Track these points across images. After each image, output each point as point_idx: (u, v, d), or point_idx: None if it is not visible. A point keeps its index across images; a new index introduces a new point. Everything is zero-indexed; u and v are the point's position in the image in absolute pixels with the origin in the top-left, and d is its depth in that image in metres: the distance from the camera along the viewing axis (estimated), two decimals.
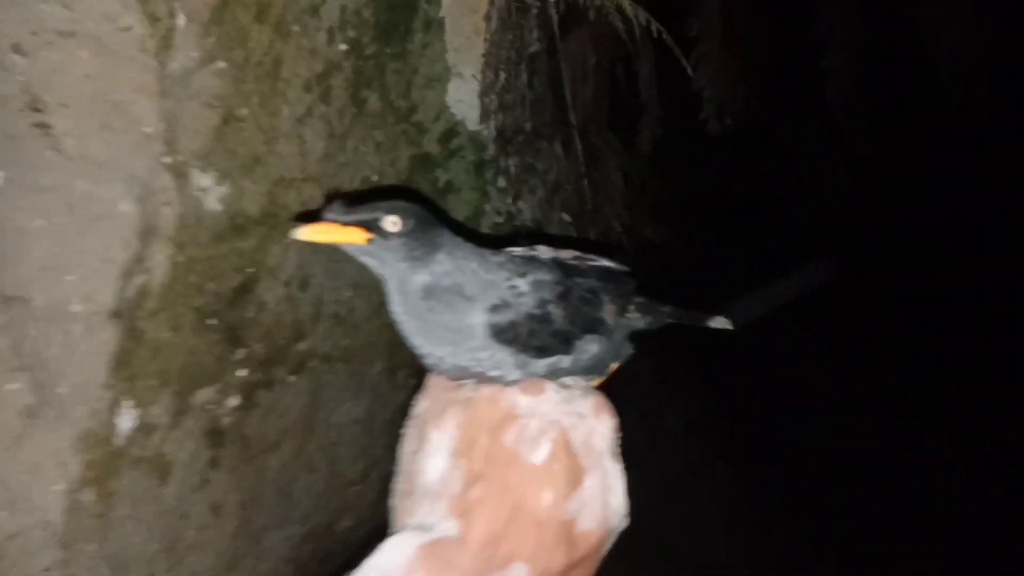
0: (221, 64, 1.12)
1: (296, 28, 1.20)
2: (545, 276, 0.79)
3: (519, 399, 0.74)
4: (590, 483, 0.72)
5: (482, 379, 0.78)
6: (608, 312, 0.83)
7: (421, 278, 0.76)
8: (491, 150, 1.80)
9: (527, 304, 0.77)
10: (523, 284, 0.77)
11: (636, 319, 0.89)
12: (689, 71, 1.85)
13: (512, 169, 2.01)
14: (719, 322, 0.99)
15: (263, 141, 1.21)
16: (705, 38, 2.47)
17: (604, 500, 0.73)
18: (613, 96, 2.57)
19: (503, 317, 0.76)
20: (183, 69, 1.07)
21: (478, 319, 0.76)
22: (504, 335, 0.75)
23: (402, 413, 2.17)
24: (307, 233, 0.73)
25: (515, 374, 0.78)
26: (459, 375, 0.79)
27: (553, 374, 0.80)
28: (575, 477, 0.71)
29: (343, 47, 1.30)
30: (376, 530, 2.13)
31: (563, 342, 0.79)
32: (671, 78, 2.48)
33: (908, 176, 3.25)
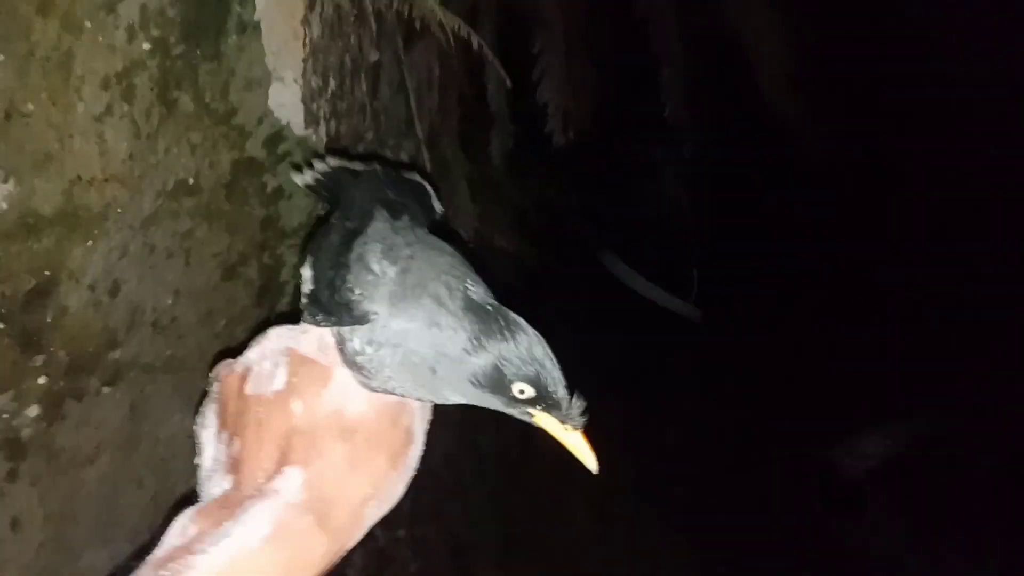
0: (0, 56, 1.09)
1: (89, 24, 1.18)
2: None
3: (248, 353, 0.77)
4: (340, 374, 0.75)
5: None
6: None
7: None
8: None
9: None
10: None
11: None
12: (508, 84, 1.92)
13: None
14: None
15: (55, 138, 1.18)
16: (547, 53, 2.56)
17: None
18: (461, 108, 2.62)
19: None
20: None
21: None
22: None
23: None
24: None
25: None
26: None
27: None
28: (321, 377, 0.74)
29: (147, 45, 1.29)
30: None
31: None
32: (522, 91, 2.56)
33: (746, 190, 3.47)
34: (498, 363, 0.68)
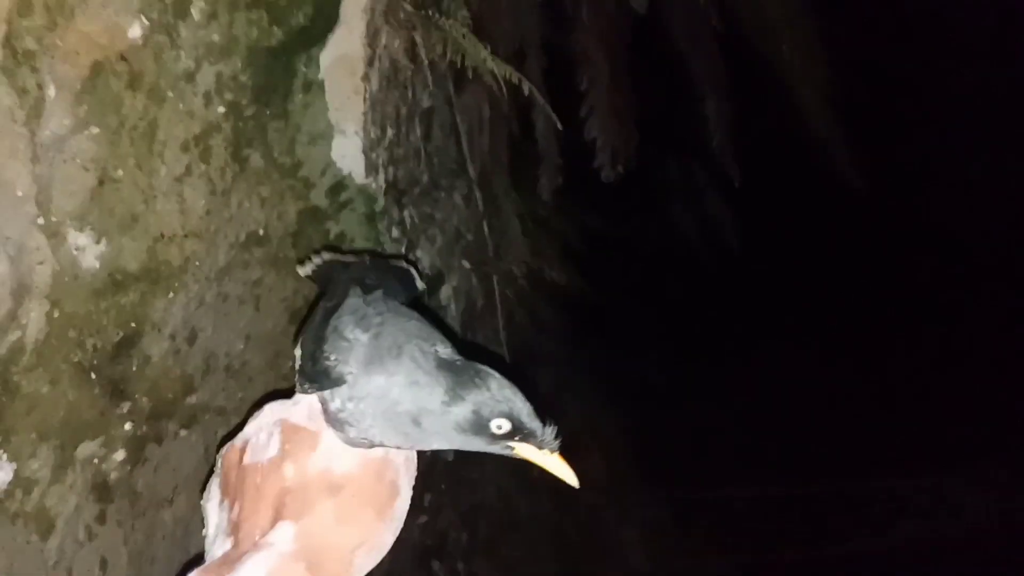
0: (95, 129, 1.17)
1: (171, 94, 1.26)
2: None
3: (246, 428, 0.86)
4: (328, 437, 0.82)
5: None
6: None
7: None
8: (382, 202, 1.88)
9: None
10: None
11: None
12: (559, 125, 1.97)
13: (408, 220, 2.09)
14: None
15: (141, 200, 1.26)
16: (593, 90, 2.62)
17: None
18: (511, 146, 2.69)
19: None
20: (55, 136, 1.13)
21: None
22: None
23: None
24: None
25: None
26: None
27: None
28: (311, 441, 0.82)
29: (221, 109, 1.37)
30: None
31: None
32: (568, 128, 2.62)
33: (786, 218, 3.48)
34: (476, 408, 0.77)
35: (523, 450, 0.79)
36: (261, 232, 1.57)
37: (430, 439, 0.80)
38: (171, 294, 1.38)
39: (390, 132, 1.88)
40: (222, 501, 0.86)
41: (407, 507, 0.84)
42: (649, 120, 2.74)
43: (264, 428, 0.86)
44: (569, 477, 0.80)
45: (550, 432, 0.79)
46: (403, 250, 2.00)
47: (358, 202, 1.79)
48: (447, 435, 0.79)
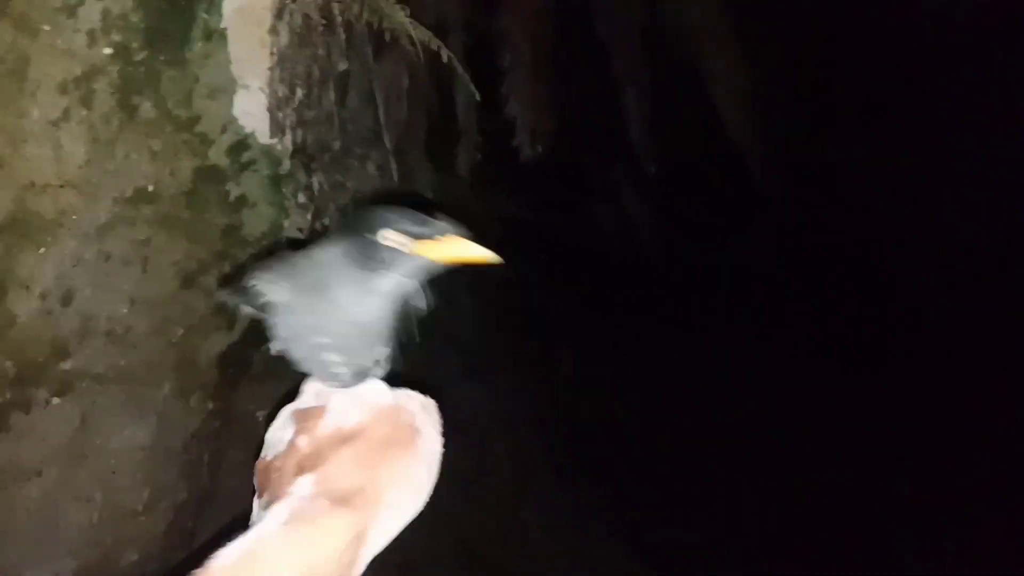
0: None
1: (46, 27, 1.15)
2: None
3: (266, 437, 0.85)
4: (334, 404, 0.82)
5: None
6: None
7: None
8: (287, 165, 1.78)
9: None
10: None
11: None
12: (478, 97, 1.92)
13: (316, 186, 2.00)
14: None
15: (7, 143, 1.15)
16: (515, 69, 2.57)
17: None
18: (429, 120, 2.61)
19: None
20: None
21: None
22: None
23: (197, 438, 2.07)
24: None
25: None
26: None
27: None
28: (318, 413, 0.83)
29: (108, 50, 1.26)
30: (165, 563, 2.00)
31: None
32: (490, 105, 2.57)
33: (701, 214, 3.53)
34: (354, 234, 0.76)
35: (426, 249, 0.75)
36: (151, 188, 1.46)
37: (335, 296, 0.77)
38: (42, 249, 1.26)
39: (300, 93, 1.78)
40: (258, 501, 0.83)
41: (437, 447, 0.82)
42: (569, 107, 2.71)
43: (279, 427, 0.85)
44: (486, 254, 0.76)
45: (442, 219, 0.76)
46: (309, 217, 1.91)
47: (261, 163, 1.70)
48: (344, 279, 0.76)
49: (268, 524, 0.72)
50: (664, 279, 3.53)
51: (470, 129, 2.64)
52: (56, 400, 1.45)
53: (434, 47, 1.70)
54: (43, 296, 1.29)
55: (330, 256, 0.77)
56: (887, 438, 3.47)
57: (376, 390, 0.83)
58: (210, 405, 1.89)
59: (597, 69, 2.80)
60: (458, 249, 0.75)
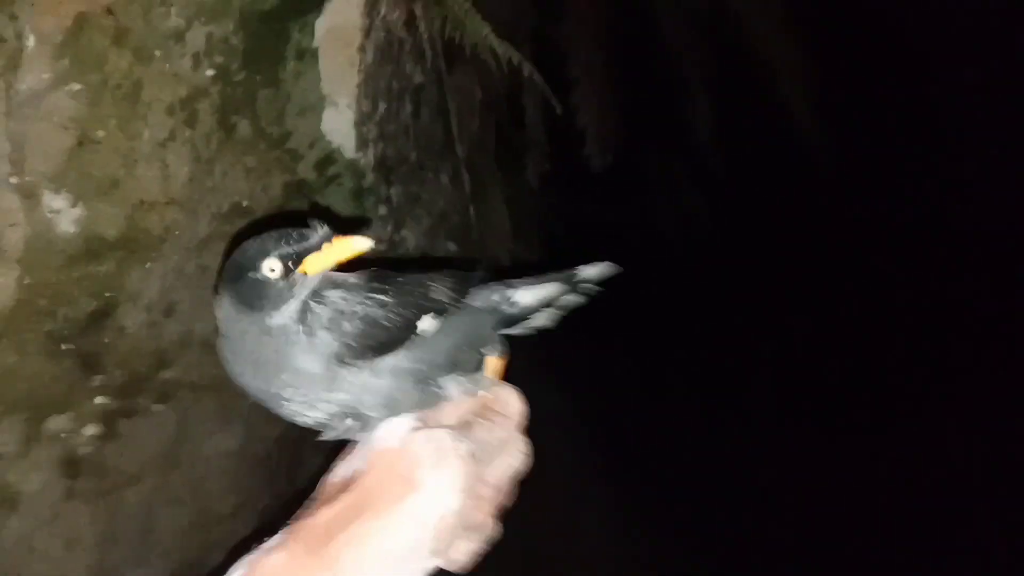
0: (76, 86, 1.11)
1: (158, 53, 1.20)
2: (351, 280, 0.76)
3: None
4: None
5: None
6: (437, 291, 0.80)
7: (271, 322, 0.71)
8: (370, 178, 1.82)
9: (345, 310, 0.73)
10: (335, 296, 0.74)
11: (489, 296, 0.85)
12: (558, 109, 1.93)
13: (395, 198, 2.04)
14: (595, 271, 0.90)
15: (121, 164, 1.20)
16: (585, 79, 2.58)
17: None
18: (500, 131, 2.64)
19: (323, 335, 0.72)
20: (32, 90, 1.06)
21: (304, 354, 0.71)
22: (332, 341, 0.72)
23: (278, 445, 2.12)
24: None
25: (368, 402, 0.73)
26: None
27: (405, 376, 0.75)
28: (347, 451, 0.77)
29: (210, 72, 1.31)
30: None
31: (397, 328, 0.75)
32: (557, 115, 2.58)
33: (769, 215, 3.49)
34: (237, 271, 0.70)
35: (315, 263, 0.70)
36: (245, 204, 1.51)
37: (240, 349, 0.71)
38: (149, 264, 1.31)
39: (382, 107, 1.82)
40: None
41: (444, 503, 0.70)
42: (637, 111, 2.71)
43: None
44: (365, 244, 0.71)
45: (320, 225, 0.71)
46: (389, 229, 1.95)
47: (346, 177, 1.74)
48: (241, 330, 0.70)
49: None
50: (727, 279, 3.50)
51: (539, 139, 2.66)
52: (156, 407, 1.51)
53: (515, 61, 1.72)
54: (148, 308, 1.34)
55: (222, 312, 0.71)
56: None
57: (388, 431, 0.74)
58: None
59: (664, 72, 2.80)
60: (344, 248, 0.70)
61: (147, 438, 1.52)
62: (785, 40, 2.86)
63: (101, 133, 1.15)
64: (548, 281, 0.89)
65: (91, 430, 1.30)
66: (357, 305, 0.73)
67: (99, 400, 1.30)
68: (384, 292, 0.75)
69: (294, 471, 2.06)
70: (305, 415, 0.73)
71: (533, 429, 0.81)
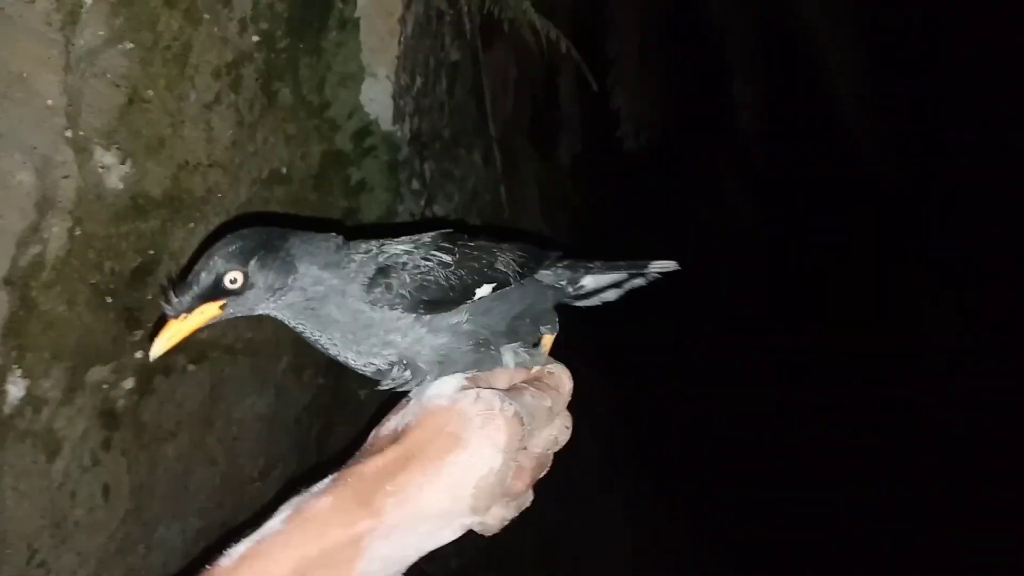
0: (129, 45, 1.14)
1: (207, 16, 1.23)
2: (424, 239, 0.79)
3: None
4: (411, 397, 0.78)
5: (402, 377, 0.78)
6: (504, 263, 0.81)
7: (297, 300, 0.74)
8: (405, 152, 1.84)
9: (408, 263, 0.76)
10: (398, 249, 0.77)
11: (557, 277, 0.88)
12: (594, 87, 1.93)
13: (428, 173, 2.06)
14: (662, 265, 0.94)
15: (169, 124, 1.23)
16: (623, 59, 2.58)
17: None
18: (533, 110, 2.65)
19: (380, 281, 0.75)
20: (89, 47, 1.09)
21: (361, 302, 0.74)
22: (384, 296, 0.74)
23: (308, 412, 2.16)
24: (159, 348, 0.73)
25: (425, 355, 0.76)
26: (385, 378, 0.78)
27: (464, 338, 0.78)
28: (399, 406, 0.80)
29: (255, 38, 1.33)
30: None
31: (454, 290, 0.77)
32: (591, 95, 2.58)
33: (809, 207, 3.45)
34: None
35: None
36: (284, 171, 1.53)
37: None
38: (191, 224, 1.35)
39: (419, 81, 1.84)
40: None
41: (491, 462, 0.72)
42: (676, 95, 2.70)
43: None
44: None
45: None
46: (422, 203, 1.97)
47: (382, 149, 1.76)
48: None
49: (272, 521, 0.70)
50: (765, 270, 3.48)
51: (573, 119, 2.67)
52: (192, 367, 1.54)
53: (552, 36, 1.73)
54: None
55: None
56: None
57: (440, 388, 0.76)
58: (320, 380, 1.97)
59: (706, 56, 2.78)
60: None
61: (183, 396, 1.55)
62: (836, 28, 2.83)
63: (151, 92, 1.18)
64: (616, 270, 0.92)
65: (130, 384, 1.34)
66: (421, 260, 0.76)
67: (139, 355, 1.34)
68: (450, 253, 0.78)
69: (324, 439, 2.10)
70: (361, 362, 0.77)
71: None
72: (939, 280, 3.55)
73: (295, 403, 1.92)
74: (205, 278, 0.72)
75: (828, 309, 3.59)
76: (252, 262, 0.72)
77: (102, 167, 1.16)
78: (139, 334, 1.34)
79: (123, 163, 1.19)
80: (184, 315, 0.73)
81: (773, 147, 2.90)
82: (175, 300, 0.72)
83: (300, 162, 1.59)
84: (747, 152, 2.90)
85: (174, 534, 1.65)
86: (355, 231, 0.85)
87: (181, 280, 0.73)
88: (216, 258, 0.72)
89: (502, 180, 2.42)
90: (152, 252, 1.30)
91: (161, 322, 0.74)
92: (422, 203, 2.01)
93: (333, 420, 2.11)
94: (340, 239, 0.78)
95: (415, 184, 1.98)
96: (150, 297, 1.33)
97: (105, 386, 1.30)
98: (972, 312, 3.52)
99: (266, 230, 0.75)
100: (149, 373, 1.43)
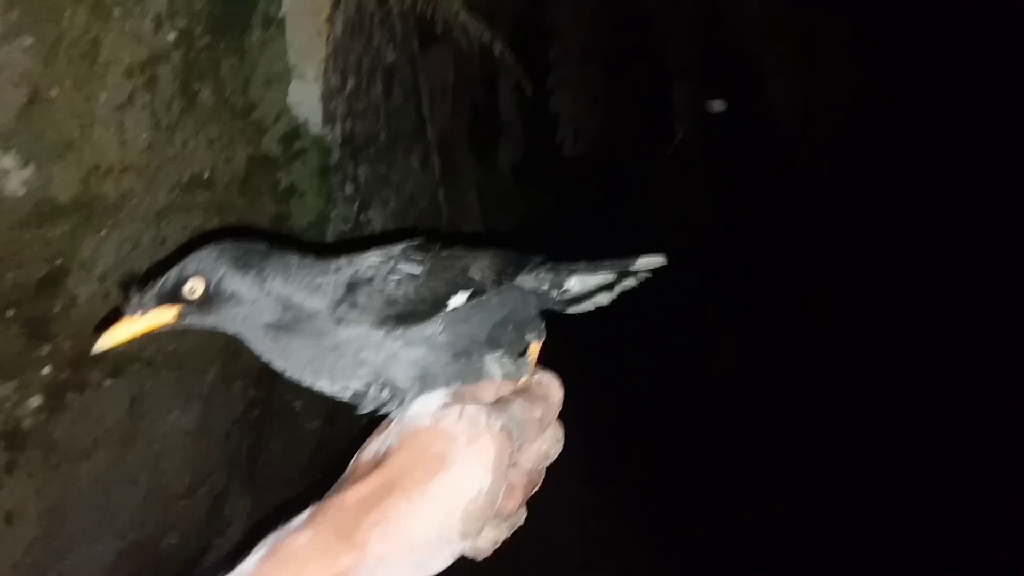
0: (28, 40, 1.06)
1: (117, 12, 1.16)
2: (394, 251, 0.74)
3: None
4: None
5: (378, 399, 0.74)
6: (479, 269, 0.77)
7: (263, 321, 0.70)
8: (337, 155, 1.79)
9: (375, 276, 0.72)
10: (365, 264, 0.73)
11: (539, 281, 0.84)
12: (528, 91, 1.91)
13: (362, 177, 2.01)
14: (649, 261, 0.89)
15: (77, 125, 1.16)
16: (563, 63, 2.57)
17: None
18: (473, 113, 2.62)
19: (345, 299, 0.71)
20: None
21: (328, 322, 0.70)
22: (349, 313, 0.70)
23: (238, 425, 2.08)
24: (104, 343, 0.69)
25: (402, 372, 0.72)
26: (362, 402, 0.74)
27: (441, 350, 0.74)
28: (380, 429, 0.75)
29: (172, 36, 1.27)
30: (201, 549, 2.01)
31: (424, 301, 0.73)
32: (533, 99, 2.56)
33: (747, 212, 3.49)
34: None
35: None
36: (206, 175, 1.47)
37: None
38: (103, 231, 1.27)
39: (351, 82, 1.79)
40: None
41: (479, 482, 0.67)
42: (615, 102, 2.70)
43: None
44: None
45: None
46: (355, 209, 1.92)
47: (312, 153, 1.70)
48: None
49: (245, 563, 0.64)
50: (707, 277, 3.51)
51: (513, 124, 2.64)
52: (109, 382, 1.47)
53: (486, 39, 1.70)
54: (102, 278, 1.30)
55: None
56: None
57: (421, 407, 0.72)
58: (252, 392, 1.91)
59: (646, 64, 2.79)
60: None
61: (100, 412, 1.47)
62: (775, 33, 2.87)
63: (55, 92, 1.11)
64: (602, 270, 0.88)
65: (37, 401, 1.26)
66: (387, 273, 0.72)
67: (46, 371, 1.26)
68: (420, 263, 0.74)
69: (255, 453, 2.03)
70: (336, 388, 0.72)
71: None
72: (867, 286, 3.63)
73: (224, 416, 1.85)
74: (167, 281, 0.68)
75: (769, 313, 3.64)
76: (220, 274, 0.68)
77: (0, 171, 1.08)
78: (46, 348, 1.26)
79: (24, 167, 1.11)
80: (140, 313, 0.68)
81: (713, 151, 2.92)
82: (135, 297, 0.68)
83: (224, 166, 1.52)
84: (687, 157, 2.92)
85: (91, 558, 1.57)
86: (330, 247, 0.80)
87: (153, 278, 0.68)
88: (187, 263, 0.68)
89: (440, 185, 2.38)
90: (60, 261, 1.23)
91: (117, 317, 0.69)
92: (355, 208, 1.96)
93: (266, 433, 2.04)
94: (311, 258, 0.74)
95: (348, 189, 1.93)
96: (58, 309, 1.26)
97: (8, 404, 1.22)
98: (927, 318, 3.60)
99: (247, 244, 0.71)
100: (60, 389, 1.35)
